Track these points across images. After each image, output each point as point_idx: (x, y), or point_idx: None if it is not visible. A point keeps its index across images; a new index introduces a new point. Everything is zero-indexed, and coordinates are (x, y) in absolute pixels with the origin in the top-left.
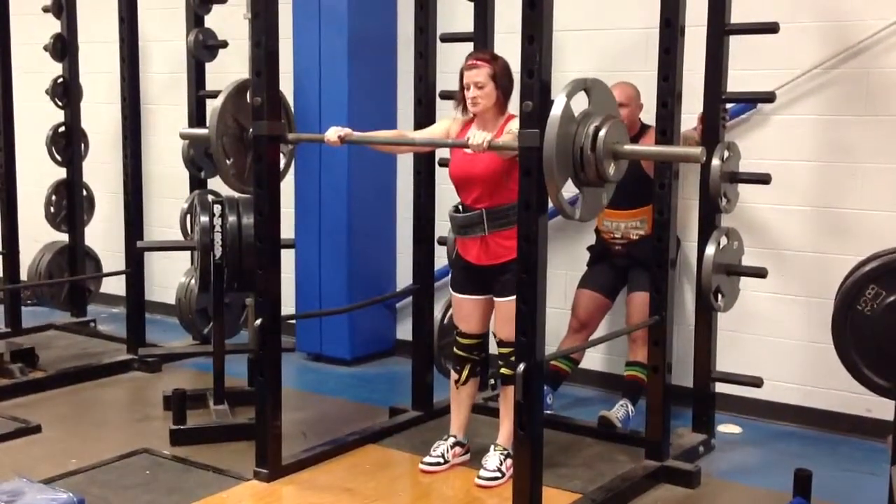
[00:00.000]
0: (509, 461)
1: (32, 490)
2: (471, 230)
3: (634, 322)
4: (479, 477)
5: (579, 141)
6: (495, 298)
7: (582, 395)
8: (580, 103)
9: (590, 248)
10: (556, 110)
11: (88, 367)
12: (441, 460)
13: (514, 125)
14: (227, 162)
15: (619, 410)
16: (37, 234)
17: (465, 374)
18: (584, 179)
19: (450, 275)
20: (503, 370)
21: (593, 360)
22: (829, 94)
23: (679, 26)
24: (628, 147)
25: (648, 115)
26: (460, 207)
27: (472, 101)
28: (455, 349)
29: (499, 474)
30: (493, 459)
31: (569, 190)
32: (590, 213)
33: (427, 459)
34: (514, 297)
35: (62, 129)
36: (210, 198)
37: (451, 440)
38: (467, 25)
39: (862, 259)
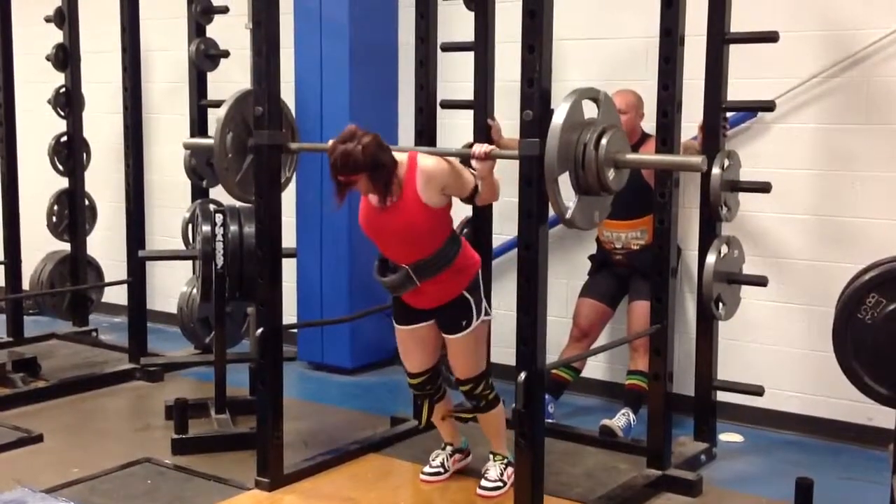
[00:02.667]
0: (510, 469)
1: (35, 499)
2: (402, 289)
3: (635, 331)
4: (481, 487)
5: (580, 148)
6: (445, 335)
7: (583, 404)
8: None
9: (591, 258)
10: (559, 118)
11: (90, 377)
12: (441, 470)
13: (425, 168)
14: (226, 170)
15: (621, 419)
16: (39, 244)
17: (425, 413)
18: (584, 184)
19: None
20: (477, 405)
21: (595, 368)
22: (830, 102)
23: (679, 35)
24: (629, 156)
25: (649, 125)
26: (388, 265)
27: (365, 194)
28: (412, 390)
29: (500, 484)
30: (493, 470)
31: (570, 199)
32: (587, 222)
33: (427, 470)
34: (463, 334)
35: (64, 138)
36: (212, 207)
37: (449, 448)
38: (468, 34)
39: (863, 267)
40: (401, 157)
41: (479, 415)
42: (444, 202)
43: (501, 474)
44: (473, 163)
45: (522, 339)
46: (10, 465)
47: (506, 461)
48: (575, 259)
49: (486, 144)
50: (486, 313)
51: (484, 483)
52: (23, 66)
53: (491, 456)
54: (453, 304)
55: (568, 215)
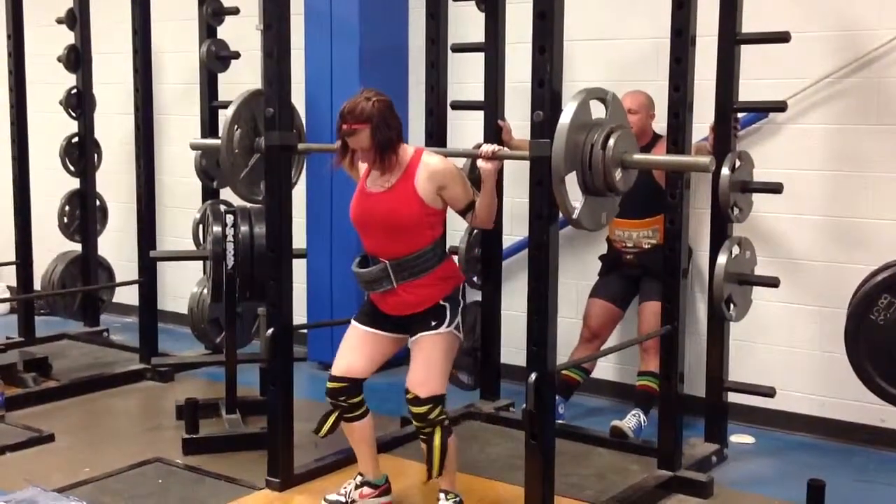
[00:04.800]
0: None
1: (46, 499)
2: (377, 285)
3: (646, 331)
4: None
5: (588, 148)
6: (411, 340)
7: (594, 405)
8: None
9: (602, 258)
10: (566, 118)
11: (101, 377)
12: (343, 500)
13: (430, 163)
14: (232, 168)
15: (631, 420)
16: (50, 244)
17: (327, 424)
18: (592, 187)
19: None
20: (424, 431)
21: (605, 370)
22: (841, 103)
23: (690, 36)
24: (637, 156)
25: (660, 126)
26: (368, 260)
27: (365, 161)
28: (326, 395)
29: None
30: None
31: (578, 200)
32: (594, 223)
33: (329, 497)
34: (431, 333)
35: (75, 139)
36: (222, 208)
37: (359, 479)
38: (478, 36)
39: (875, 268)
40: (408, 147)
41: (427, 452)
42: (439, 204)
43: None
44: (479, 163)
45: (533, 339)
46: (21, 464)
47: (458, 500)
48: (585, 260)
49: (493, 144)
50: (459, 331)
51: None
52: (35, 68)
53: (442, 495)
54: (427, 311)
55: (575, 215)
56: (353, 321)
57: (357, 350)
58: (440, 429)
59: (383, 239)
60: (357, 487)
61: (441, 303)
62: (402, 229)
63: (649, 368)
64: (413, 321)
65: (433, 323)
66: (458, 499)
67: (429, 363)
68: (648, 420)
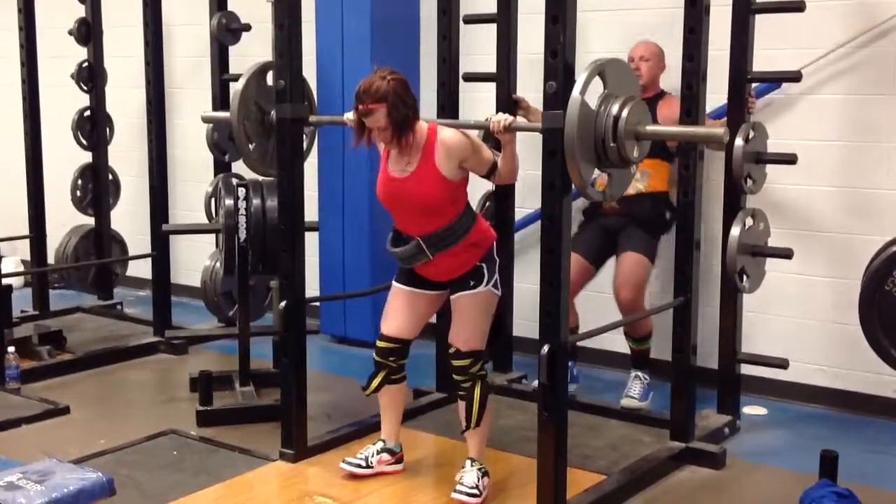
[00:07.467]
0: (486, 479)
1: (62, 470)
2: (414, 260)
3: (624, 282)
4: (456, 492)
5: (600, 125)
6: (452, 298)
7: (608, 379)
8: (601, 84)
9: (584, 211)
10: (578, 90)
11: (115, 350)
12: (363, 464)
13: (446, 138)
14: (250, 146)
15: (635, 386)
16: (63, 218)
17: (375, 382)
18: (607, 163)
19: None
20: (464, 385)
21: (618, 342)
22: (857, 73)
23: (704, 5)
24: (650, 128)
25: (673, 87)
26: (400, 237)
27: (382, 140)
28: (374, 355)
29: (476, 492)
30: (470, 476)
31: (591, 172)
32: (617, 194)
33: (349, 460)
34: (471, 292)
35: (87, 113)
36: (234, 181)
37: (380, 445)
38: (491, 6)
39: (889, 239)
40: (422, 125)
41: (466, 405)
42: (461, 175)
43: (478, 482)
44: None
45: (546, 311)
46: (37, 436)
47: (483, 470)
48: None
49: (507, 115)
50: (497, 287)
51: (460, 488)
52: (46, 41)
53: (469, 462)
54: (466, 274)
55: (589, 189)
56: (394, 283)
57: (405, 312)
58: (480, 382)
59: (412, 218)
60: (378, 453)
61: (478, 264)
62: (430, 209)
63: (639, 335)
64: (454, 282)
65: (472, 283)
66: (483, 469)
67: (468, 320)
68: (651, 378)
